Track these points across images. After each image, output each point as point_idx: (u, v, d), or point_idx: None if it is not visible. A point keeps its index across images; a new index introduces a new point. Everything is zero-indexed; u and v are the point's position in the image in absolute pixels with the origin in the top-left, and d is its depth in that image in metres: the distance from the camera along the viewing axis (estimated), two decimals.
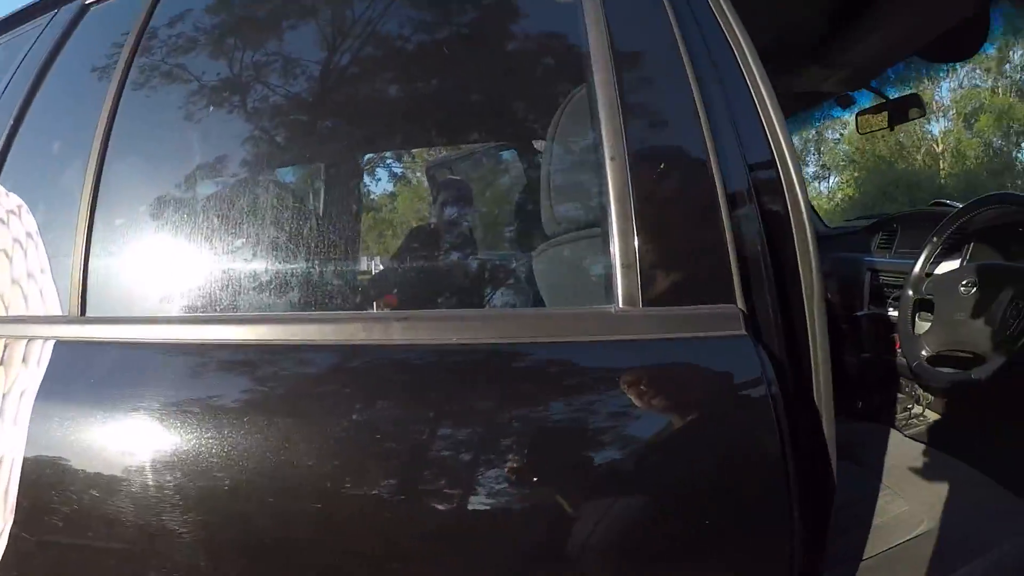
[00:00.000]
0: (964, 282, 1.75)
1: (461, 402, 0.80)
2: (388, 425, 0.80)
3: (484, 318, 0.96)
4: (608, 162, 0.82)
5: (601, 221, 0.86)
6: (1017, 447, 1.97)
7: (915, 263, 1.94)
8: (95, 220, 1.07)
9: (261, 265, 1.12)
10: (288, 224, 1.22)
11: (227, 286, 1.12)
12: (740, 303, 0.78)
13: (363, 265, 1.50)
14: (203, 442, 0.81)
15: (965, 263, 1.91)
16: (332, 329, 0.88)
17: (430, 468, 0.77)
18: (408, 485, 0.77)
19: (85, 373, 0.97)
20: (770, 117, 0.87)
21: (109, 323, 1.02)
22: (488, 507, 0.75)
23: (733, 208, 0.81)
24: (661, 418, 0.78)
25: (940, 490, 1.48)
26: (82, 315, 1.02)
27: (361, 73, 1.25)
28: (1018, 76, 23.85)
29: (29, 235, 1.13)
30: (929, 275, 1.91)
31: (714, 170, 0.82)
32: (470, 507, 0.75)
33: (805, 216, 0.84)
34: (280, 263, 1.12)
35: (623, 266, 0.79)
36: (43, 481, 0.90)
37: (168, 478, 0.82)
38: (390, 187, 1.87)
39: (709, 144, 0.83)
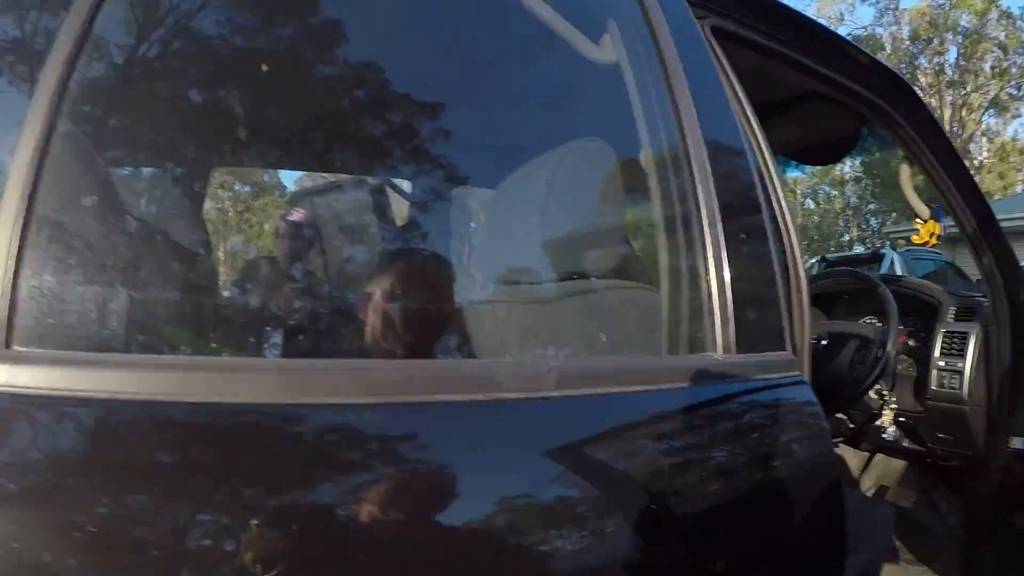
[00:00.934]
0: (813, 337, 2.18)
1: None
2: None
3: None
4: (707, 227, 0.91)
5: (673, 276, 0.97)
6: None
7: None
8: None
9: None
10: None
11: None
12: (790, 349, 0.97)
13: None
14: None
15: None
16: None
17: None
18: None
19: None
20: (774, 185, 1.06)
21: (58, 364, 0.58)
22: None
23: (780, 269, 1.00)
24: (770, 454, 0.90)
25: None
26: (7, 347, 0.58)
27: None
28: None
29: None
30: None
31: (768, 233, 0.99)
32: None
33: (803, 279, 1.06)
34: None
35: (722, 318, 0.89)
36: None
37: None
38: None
39: (764, 210, 1.00)
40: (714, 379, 0.88)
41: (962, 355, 2.00)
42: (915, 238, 2.00)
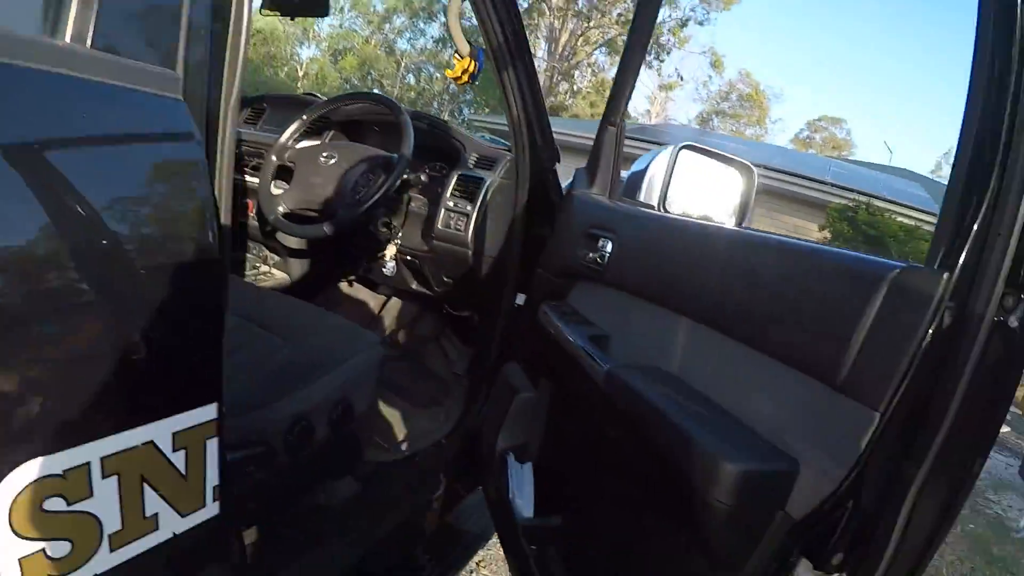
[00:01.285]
0: (324, 154, 2.04)
1: None
2: None
3: None
4: None
5: None
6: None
7: (281, 135, 2.15)
8: None
9: None
10: None
11: None
12: (180, 70, 0.82)
13: None
14: None
15: (325, 143, 2.23)
16: None
17: None
18: None
19: None
20: None
21: None
22: None
23: None
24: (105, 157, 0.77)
25: (297, 324, 1.67)
26: None
27: None
28: (392, 37, 27.67)
29: None
30: (290, 147, 2.14)
31: None
32: None
33: (246, 26, 0.91)
34: None
35: (82, 5, 0.73)
36: None
37: None
38: None
39: None
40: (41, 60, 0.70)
41: (472, 200, 2.00)
42: (449, 72, 1.93)
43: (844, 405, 0.84)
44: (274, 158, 2.12)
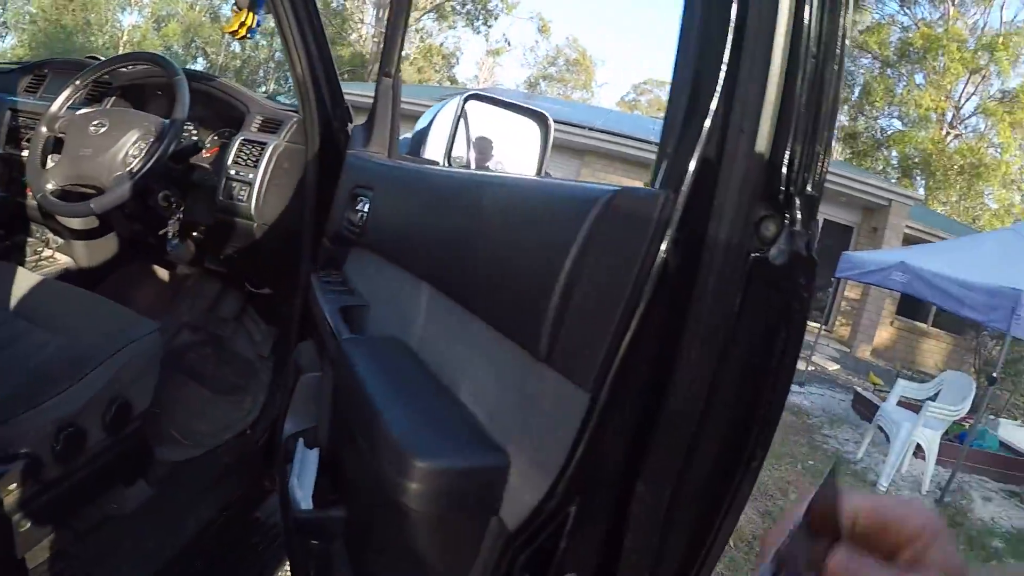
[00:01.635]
0: (95, 122, 1.81)
1: None
2: None
3: None
4: None
5: None
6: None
7: (52, 103, 1.90)
8: None
9: None
10: None
11: None
12: None
13: None
14: None
15: (100, 111, 1.99)
16: None
17: None
18: None
19: None
20: None
21: None
22: None
23: None
24: None
25: (67, 314, 1.53)
26: None
27: None
28: (218, 2, 26.56)
29: None
30: (63, 117, 1.89)
31: None
32: None
33: None
34: None
35: None
36: None
37: None
38: None
39: None
40: None
41: (255, 167, 1.84)
42: (225, 26, 1.76)
43: (550, 380, 0.64)
44: (44, 129, 1.86)
